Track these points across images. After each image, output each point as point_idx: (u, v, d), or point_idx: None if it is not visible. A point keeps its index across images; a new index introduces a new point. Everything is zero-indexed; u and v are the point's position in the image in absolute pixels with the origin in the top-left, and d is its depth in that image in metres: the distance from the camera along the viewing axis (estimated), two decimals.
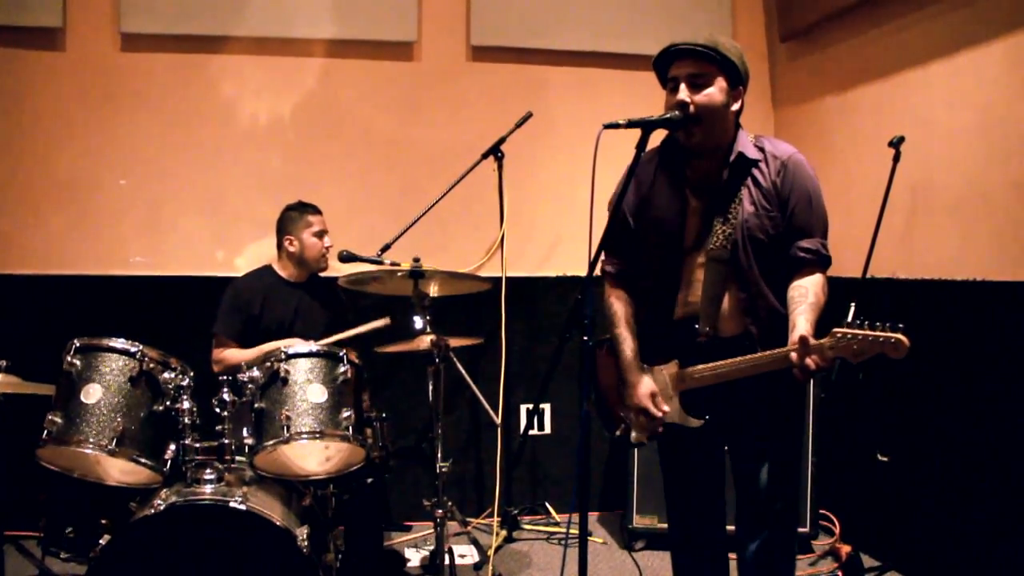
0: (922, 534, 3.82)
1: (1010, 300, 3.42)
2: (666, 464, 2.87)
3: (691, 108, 2.50)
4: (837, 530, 4.26)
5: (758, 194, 2.55)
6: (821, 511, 4.29)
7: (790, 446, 2.74)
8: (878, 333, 2.22)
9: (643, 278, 2.74)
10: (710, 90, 2.51)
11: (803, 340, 2.31)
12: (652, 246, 2.70)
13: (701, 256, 2.59)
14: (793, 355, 2.34)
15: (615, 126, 2.47)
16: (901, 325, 2.21)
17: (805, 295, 2.47)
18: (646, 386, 2.65)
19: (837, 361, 2.39)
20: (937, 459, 3.75)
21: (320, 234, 3.95)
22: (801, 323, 2.39)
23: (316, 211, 3.99)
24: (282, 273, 3.99)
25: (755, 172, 2.56)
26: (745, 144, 2.58)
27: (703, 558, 2.85)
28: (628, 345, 2.72)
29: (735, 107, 2.57)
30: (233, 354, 3.76)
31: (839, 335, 2.28)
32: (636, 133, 2.50)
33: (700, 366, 2.58)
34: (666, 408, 2.62)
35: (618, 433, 2.83)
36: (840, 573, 3.90)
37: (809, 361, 2.32)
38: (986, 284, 3.53)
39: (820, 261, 2.54)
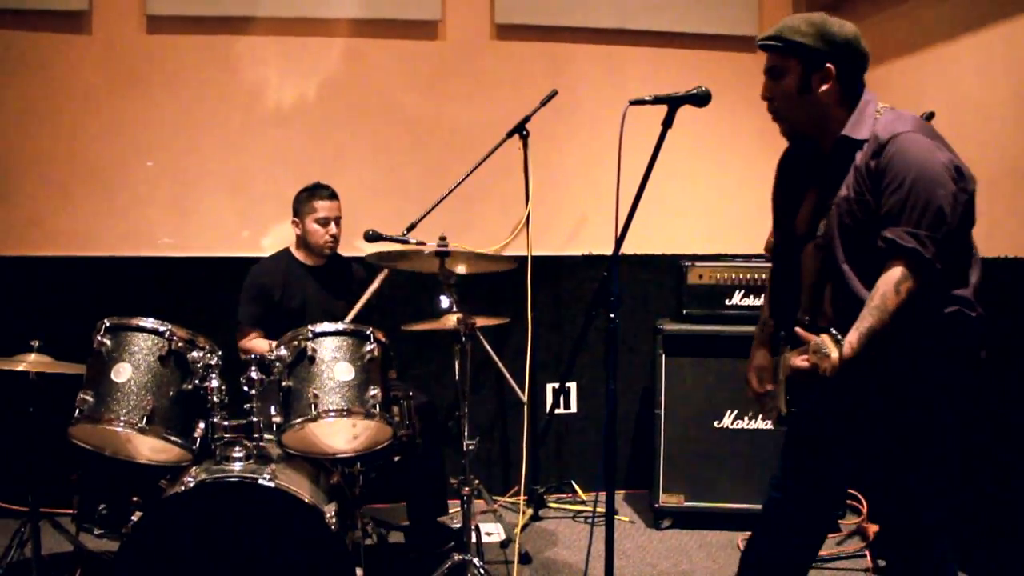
0: (948, 514, 3.79)
1: None
2: (781, 451, 2.77)
3: (772, 103, 2.48)
4: (864, 509, 4.24)
5: (854, 177, 2.38)
6: (849, 491, 4.26)
7: (913, 472, 2.45)
8: (826, 344, 2.15)
9: (781, 259, 2.72)
10: (784, 80, 2.45)
11: (807, 341, 2.26)
12: (781, 232, 2.69)
13: (812, 243, 2.51)
14: (791, 354, 2.33)
15: (641, 102, 2.46)
16: (843, 341, 2.15)
17: (873, 296, 2.27)
18: (756, 360, 2.71)
19: None
20: (966, 440, 3.71)
21: (324, 221, 3.92)
22: (850, 334, 2.23)
23: (326, 196, 3.95)
24: (299, 256, 4.02)
25: (858, 154, 2.39)
26: (856, 124, 2.41)
27: (773, 560, 2.73)
28: (760, 321, 2.80)
29: (823, 88, 2.42)
30: (258, 345, 3.78)
31: (816, 341, 2.20)
32: (663, 110, 2.49)
33: (788, 354, 2.51)
34: (769, 386, 2.64)
35: (761, 415, 2.84)
36: (867, 552, 3.89)
37: (798, 360, 2.29)
38: (1018, 261, 3.48)
39: (898, 252, 2.26)
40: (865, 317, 2.24)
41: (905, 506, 2.49)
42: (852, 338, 2.20)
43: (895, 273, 2.26)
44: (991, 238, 3.58)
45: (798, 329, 2.31)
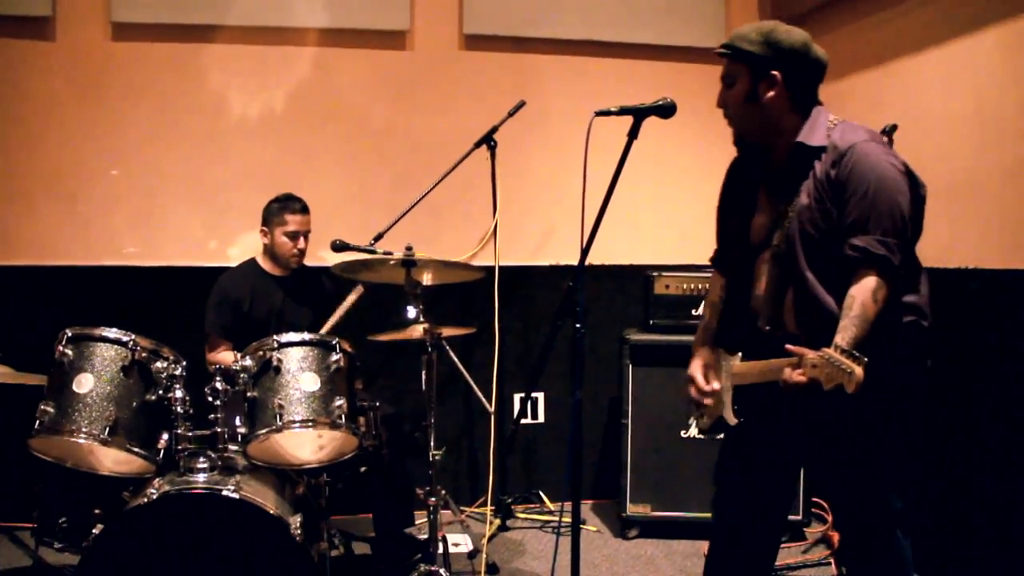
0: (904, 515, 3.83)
1: (1001, 288, 3.43)
2: (720, 461, 2.81)
3: (727, 111, 2.53)
4: (830, 518, 4.27)
5: (813, 185, 2.39)
6: (813, 499, 4.30)
7: (865, 479, 2.49)
8: (844, 361, 2.09)
9: (729, 267, 2.74)
10: (735, 88, 2.49)
11: (801, 356, 2.21)
12: (731, 241, 2.70)
13: (768, 250, 2.52)
14: (786, 369, 2.26)
15: (607, 113, 2.49)
16: (866, 358, 2.09)
17: (850, 306, 2.27)
18: (701, 358, 2.69)
19: None
20: (927, 447, 3.76)
21: (294, 235, 3.90)
22: (837, 341, 2.21)
23: (298, 210, 3.92)
24: (265, 267, 3.99)
25: (816, 163, 2.40)
26: (811, 132, 2.43)
27: (733, 568, 2.77)
28: (703, 322, 2.79)
29: (770, 95, 2.44)
30: (227, 357, 3.75)
31: (826, 356, 2.14)
32: (630, 121, 2.51)
33: (738, 363, 2.56)
34: (715, 385, 2.61)
35: (691, 420, 2.82)
36: (833, 560, 3.92)
37: (794, 375, 2.22)
38: (977, 272, 3.54)
39: (870, 261, 2.28)
40: (848, 328, 2.24)
41: (860, 508, 2.52)
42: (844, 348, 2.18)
43: (870, 282, 2.28)
44: (952, 249, 3.65)
45: (791, 347, 2.25)
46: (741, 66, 2.46)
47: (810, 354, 2.18)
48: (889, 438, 2.48)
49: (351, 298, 3.82)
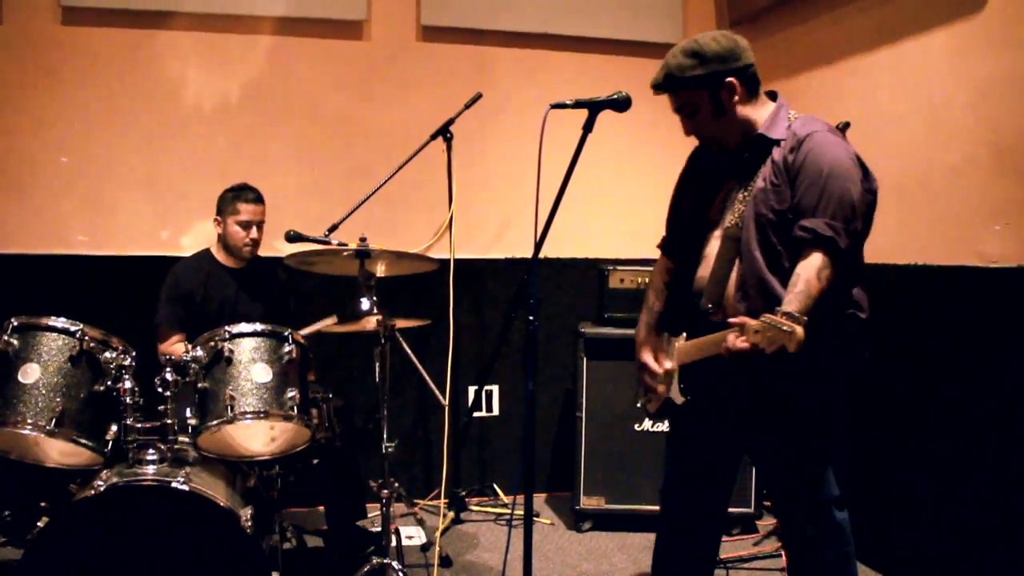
0: (861, 514, 3.89)
1: (947, 285, 3.49)
2: (667, 448, 2.90)
3: (699, 134, 2.61)
4: None
5: (771, 170, 2.48)
6: (765, 491, 4.34)
7: (807, 454, 2.58)
8: (784, 322, 2.16)
9: (678, 251, 2.79)
10: (699, 115, 2.54)
11: (742, 324, 2.28)
12: (684, 220, 2.75)
13: (719, 231, 2.59)
14: (729, 336, 2.33)
15: (562, 106, 2.50)
16: (806, 318, 2.18)
17: (796, 283, 2.35)
18: (649, 344, 2.74)
19: None
20: (875, 438, 3.81)
21: (246, 224, 3.84)
22: (782, 307, 2.29)
23: (251, 199, 3.86)
24: (219, 257, 3.94)
25: (775, 149, 2.50)
26: (773, 125, 2.53)
27: (679, 554, 2.83)
28: (647, 307, 2.82)
29: (735, 99, 2.52)
30: (179, 349, 3.69)
31: (766, 321, 2.21)
32: (586, 114, 2.52)
33: (682, 343, 2.61)
34: (668, 364, 2.66)
35: (639, 403, 2.86)
36: (784, 552, 3.96)
37: (738, 341, 2.28)
38: (925, 268, 3.60)
39: (818, 241, 2.35)
40: (792, 301, 2.31)
41: (795, 490, 2.60)
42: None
43: (815, 260, 2.35)
44: (900, 246, 3.70)
45: (733, 319, 2.32)
46: (696, 92, 2.52)
47: (751, 322, 2.25)
48: (826, 423, 2.57)
49: (321, 324, 3.71)
